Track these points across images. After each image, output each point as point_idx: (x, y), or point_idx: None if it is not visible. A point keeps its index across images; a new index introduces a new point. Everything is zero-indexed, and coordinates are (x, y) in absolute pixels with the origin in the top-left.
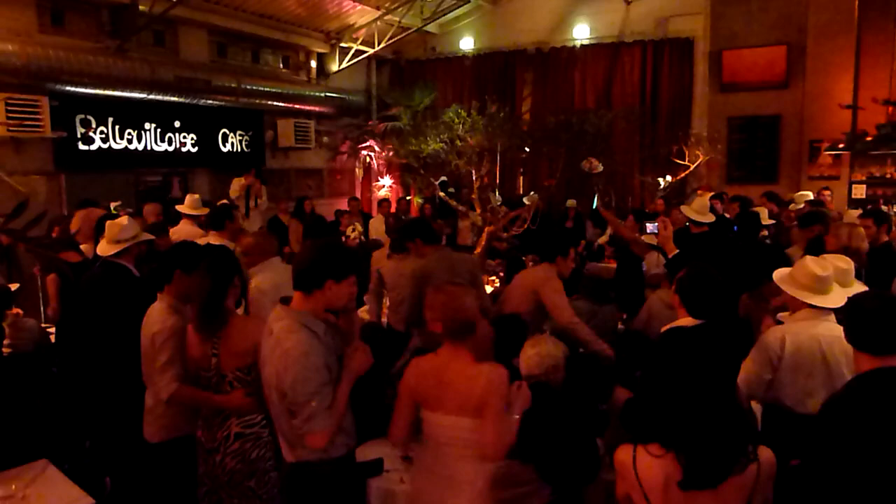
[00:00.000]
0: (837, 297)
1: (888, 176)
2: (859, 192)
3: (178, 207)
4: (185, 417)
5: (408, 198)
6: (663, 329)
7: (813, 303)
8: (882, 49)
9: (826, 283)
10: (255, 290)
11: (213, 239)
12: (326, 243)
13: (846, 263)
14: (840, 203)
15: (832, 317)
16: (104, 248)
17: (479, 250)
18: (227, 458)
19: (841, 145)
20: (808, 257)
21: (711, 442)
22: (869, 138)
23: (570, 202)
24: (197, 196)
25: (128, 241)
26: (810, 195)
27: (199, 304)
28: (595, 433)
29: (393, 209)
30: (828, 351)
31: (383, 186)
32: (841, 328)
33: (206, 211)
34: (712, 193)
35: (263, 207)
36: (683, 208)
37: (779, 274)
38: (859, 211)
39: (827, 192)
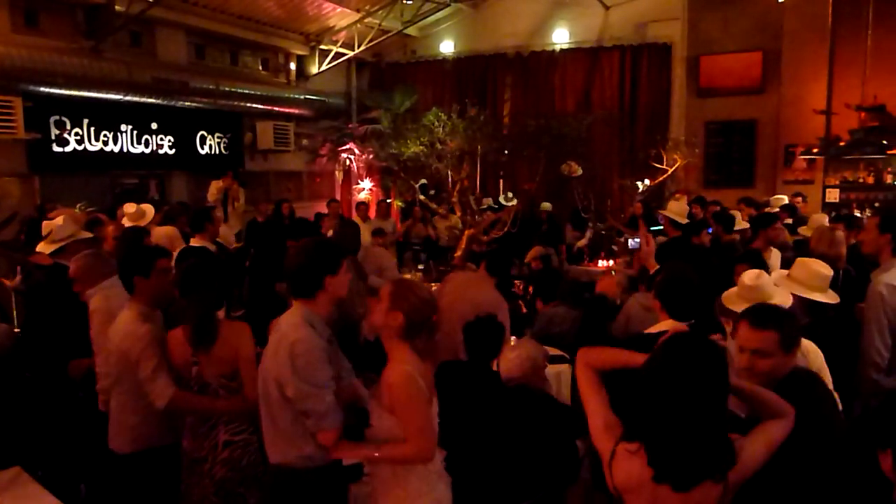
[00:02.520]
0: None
1: (861, 180)
2: (833, 195)
3: (124, 221)
4: (155, 428)
5: (388, 200)
6: (653, 331)
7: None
8: (855, 55)
9: (757, 292)
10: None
11: (195, 241)
12: (308, 244)
13: (826, 270)
14: (814, 207)
15: None
16: (43, 248)
17: (459, 253)
18: (217, 466)
19: (815, 150)
20: (746, 272)
21: (688, 441)
22: (842, 143)
23: (545, 205)
24: (133, 204)
25: (64, 240)
26: (785, 199)
27: (192, 323)
28: (575, 434)
29: (372, 213)
30: None
31: (363, 189)
32: None
33: (152, 212)
34: (693, 197)
35: (241, 210)
36: (664, 211)
37: (727, 292)
38: (825, 216)
39: (799, 199)
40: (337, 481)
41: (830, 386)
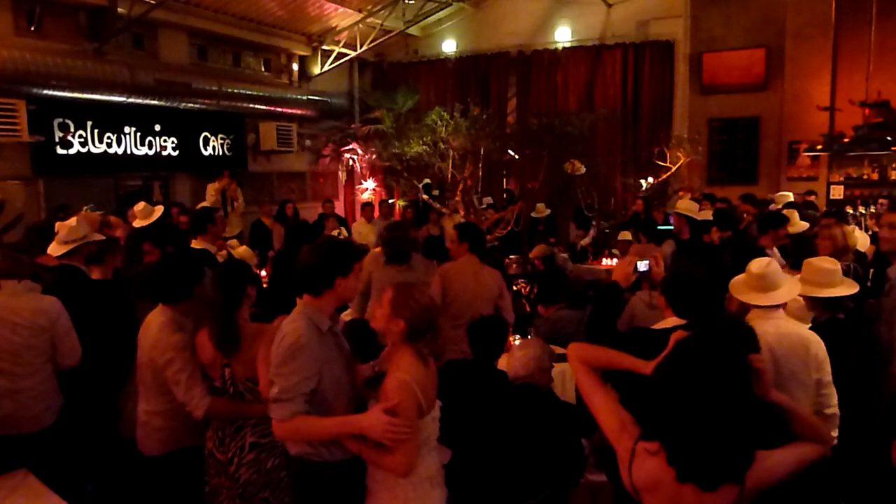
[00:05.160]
0: (781, 295)
1: (865, 177)
2: (837, 192)
3: (135, 224)
4: (185, 430)
5: (391, 201)
6: (658, 327)
7: (754, 302)
8: (858, 51)
9: (765, 281)
10: None
11: (197, 243)
12: (321, 244)
13: (832, 265)
14: (819, 204)
15: (781, 313)
16: (54, 249)
17: None
18: (242, 468)
19: (819, 146)
20: (755, 260)
21: (710, 442)
22: (846, 139)
23: (539, 206)
24: (143, 204)
25: (76, 242)
26: (790, 196)
27: (214, 323)
28: (580, 434)
29: (377, 214)
30: (776, 347)
31: (366, 189)
32: (794, 325)
33: (160, 210)
34: (699, 195)
35: (241, 210)
36: (677, 209)
37: (734, 279)
38: (794, 211)
39: (813, 198)
40: (355, 477)
41: (829, 378)
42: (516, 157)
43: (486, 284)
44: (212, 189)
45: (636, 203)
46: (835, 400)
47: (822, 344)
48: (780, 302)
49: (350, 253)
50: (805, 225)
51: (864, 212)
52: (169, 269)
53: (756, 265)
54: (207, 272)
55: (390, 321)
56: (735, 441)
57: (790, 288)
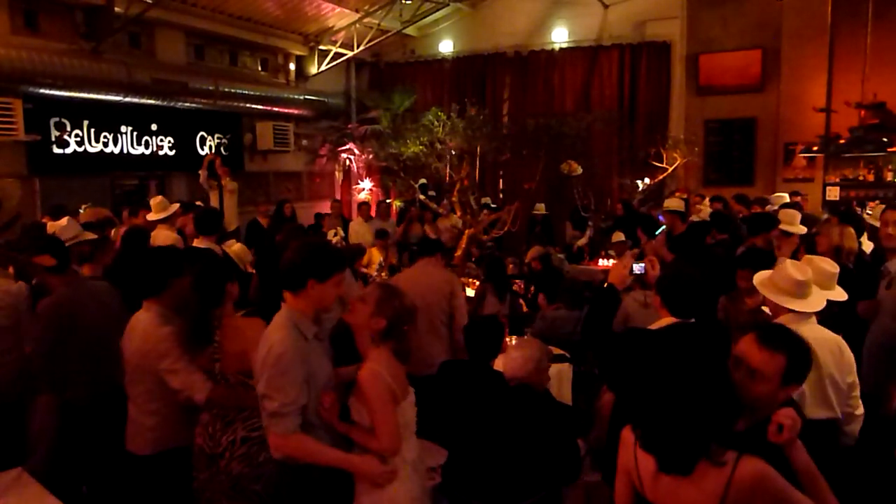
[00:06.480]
0: (817, 301)
1: (861, 178)
2: (833, 193)
3: (148, 217)
4: (175, 430)
5: (387, 201)
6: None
7: (793, 307)
8: (854, 53)
9: (805, 288)
10: None
11: (200, 243)
12: (309, 244)
13: (832, 267)
14: (815, 205)
15: (814, 319)
16: None
17: (459, 253)
18: (234, 462)
19: (815, 148)
20: (788, 261)
21: (668, 429)
22: (842, 141)
23: (539, 206)
24: (161, 197)
25: (68, 242)
26: (786, 197)
27: (185, 320)
28: (576, 434)
29: (373, 213)
30: (816, 351)
31: (363, 189)
32: (824, 330)
33: (176, 207)
34: (694, 197)
35: (230, 188)
36: (667, 206)
37: (759, 278)
38: (796, 213)
39: (798, 199)
40: (339, 478)
41: (857, 380)
42: (507, 153)
43: (437, 289)
44: (201, 174)
45: (616, 207)
46: (860, 401)
47: (848, 348)
48: (817, 309)
49: (331, 260)
50: (803, 229)
51: (858, 213)
52: (143, 264)
53: (797, 270)
54: (187, 266)
55: (372, 319)
56: (701, 419)
57: (821, 295)
